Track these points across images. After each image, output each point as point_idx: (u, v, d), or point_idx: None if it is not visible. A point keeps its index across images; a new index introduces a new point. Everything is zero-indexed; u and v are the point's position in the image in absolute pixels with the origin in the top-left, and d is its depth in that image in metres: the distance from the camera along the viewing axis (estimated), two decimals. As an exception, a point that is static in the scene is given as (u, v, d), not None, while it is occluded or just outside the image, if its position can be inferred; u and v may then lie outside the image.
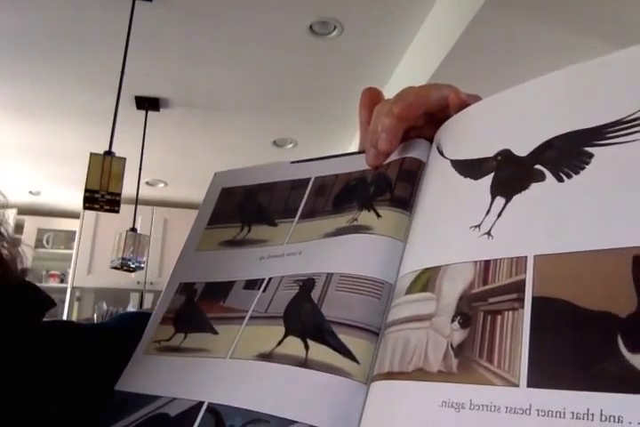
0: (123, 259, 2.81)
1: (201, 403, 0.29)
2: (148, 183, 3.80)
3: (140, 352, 0.36)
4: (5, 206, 0.42)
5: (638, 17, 1.65)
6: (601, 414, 0.17)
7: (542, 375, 0.19)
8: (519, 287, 0.21)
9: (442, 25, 1.93)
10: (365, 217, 0.32)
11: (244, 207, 0.40)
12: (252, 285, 0.34)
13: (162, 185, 4.00)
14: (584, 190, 0.22)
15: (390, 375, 0.24)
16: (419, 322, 0.25)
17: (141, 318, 0.39)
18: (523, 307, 0.21)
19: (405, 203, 0.32)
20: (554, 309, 0.20)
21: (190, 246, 0.41)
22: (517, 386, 0.19)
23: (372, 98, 0.37)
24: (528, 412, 0.19)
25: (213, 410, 0.29)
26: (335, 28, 2.09)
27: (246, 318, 0.32)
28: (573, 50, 1.76)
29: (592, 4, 1.61)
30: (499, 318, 0.21)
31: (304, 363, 0.28)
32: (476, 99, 0.32)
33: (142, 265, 2.94)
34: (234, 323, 0.33)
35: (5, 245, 0.39)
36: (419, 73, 2.10)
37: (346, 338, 0.27)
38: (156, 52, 2.30)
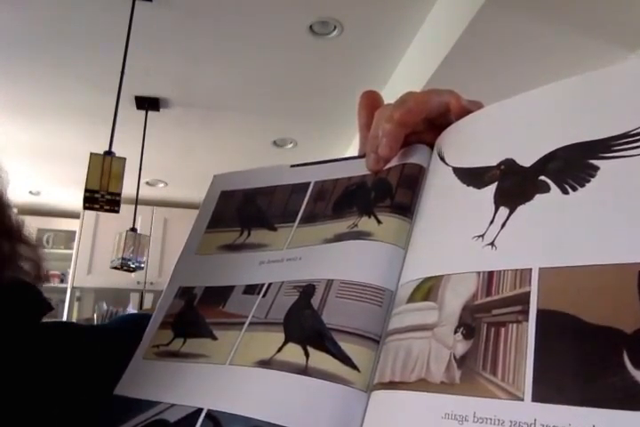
0: (123, 259, 2.81)
1: (200, 410, 0.29)
2: (148, 183, 3.79)
3: (139, 357, 0.36)
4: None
5: (639, 17, 1.64)
6: (607, 431, 0.17)
7: (547, 390, 0.19)
8: (524, 300, 0.21)
9: (442, 25, 1.92)
10: (366, 223, 0.32)
11: (243, 211, 0.40)
12: (251, 290, 0.34)
13: (162, 185, 3.99)
14: (589, 204, 0.22)
15: (391, 385, 0.24)
16: (421, 331, 0.24)
17: (142, 319, 0.39)
18: (527, 320, 0.21)
19: (406, 209, 0.31)
20: (559, 322, 0.20)
21: (189, 250, 0.41)
22: (522, 400, 0.19)
23: (371, 101, 0.37)
24: None
25: (213, 417, 0.28)
26: (335, 28, 2.08)
27: (246, 324, 0.32)
28: (574, 50, 1.76)
29: (593, 4, 1.60)
30: (503, 330, 0.21)
31: (304, 370, 0.27)
32: (478, 105, 0.32)
33: (142, 265, 2.93)
34: (233, 328, 0.32)
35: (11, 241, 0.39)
36: (418, 73, 2.09)
37: (346, 345, 0.27)
38: (155, 52, 2.29)
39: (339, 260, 0.31)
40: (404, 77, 2.28)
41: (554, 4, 1.62)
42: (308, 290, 0.31)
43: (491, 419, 0.20)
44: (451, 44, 1.82)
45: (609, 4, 1.60)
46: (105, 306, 3.59)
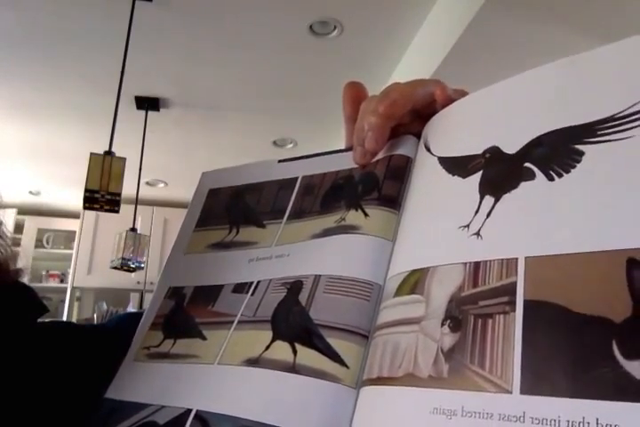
0: (123, 259, 2.81)
1: (189, 410, 0.29)
2: (148, 183, 3.79)
3: (130, 359, 0.35)
4: (4, 206, 0.41)
5: (639, 17, 1.64)
6: (597, 423, 0.16)
7: (536, 382, 0.18)
8: (510, 290, 0.21)
9: (442, 25, 1.92)
10: (353, 217, 0.32)
11: (231, 209, 0.40)
12: (240, 288, 0.34)
13: (162, 185, 3.99)
14: (575, 190, 0.21)
15: (380, 380, 0.24)
16: (408, 325, 0.24)
17: (140, 318, 0.38)
18: (514, 310, 0.20)
19: (393, 201, 0.31)
20: (546, 313, 0.19)
21: (179, 249, 0.40)
22: (510, 393, 0.19)
23: (356, 93, 0.36)
24: (522, 420, 0.18)
25: (201, 418, 0.28)
26: (335, 28, 2.08)
27: (234, 323, 0.32)
28: (574, 50, 1.75)
29: (592, 4, 1.60)
30: (490, 321, 0.21)
31: (292, 368, 0.27)
32: (463, 94, 0.31)
33: (142, 265, 2.93)
34: (222, 328, 0.32)
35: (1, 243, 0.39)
36: (419, 73, 2.09)
37: (334, 342, 0.27)
38: (155, 52, 2.29)
39: (326, 255, 0.31)
40: (404, 77, 2.27)
41: (553, 5, 1.62)
42: (295, 286, 0.31)
43: (479, 413, 0.19)
44: (450, 45, 1.82)
45: (608, 5, 1.60)
46: (105, 306, 3.59)
